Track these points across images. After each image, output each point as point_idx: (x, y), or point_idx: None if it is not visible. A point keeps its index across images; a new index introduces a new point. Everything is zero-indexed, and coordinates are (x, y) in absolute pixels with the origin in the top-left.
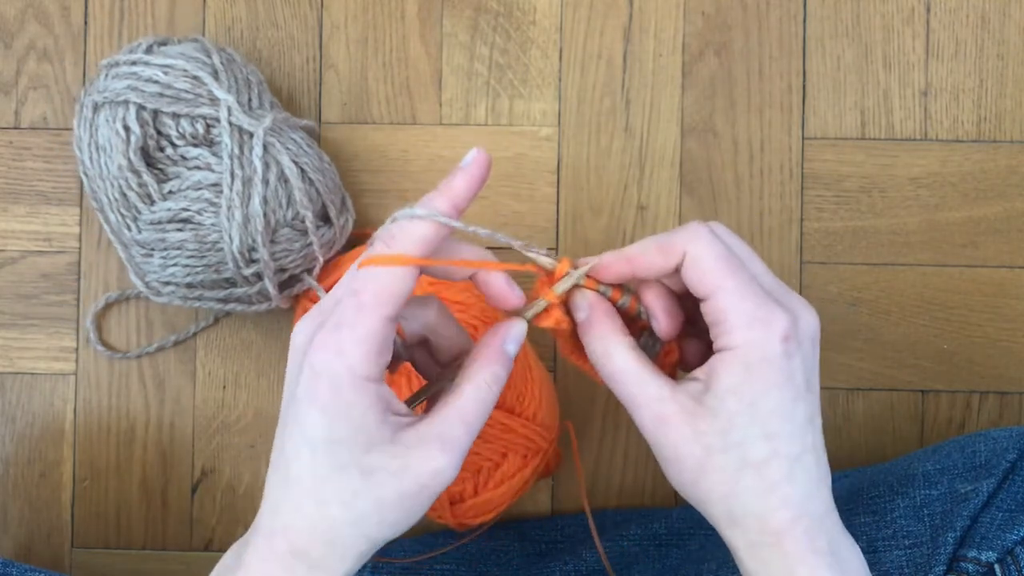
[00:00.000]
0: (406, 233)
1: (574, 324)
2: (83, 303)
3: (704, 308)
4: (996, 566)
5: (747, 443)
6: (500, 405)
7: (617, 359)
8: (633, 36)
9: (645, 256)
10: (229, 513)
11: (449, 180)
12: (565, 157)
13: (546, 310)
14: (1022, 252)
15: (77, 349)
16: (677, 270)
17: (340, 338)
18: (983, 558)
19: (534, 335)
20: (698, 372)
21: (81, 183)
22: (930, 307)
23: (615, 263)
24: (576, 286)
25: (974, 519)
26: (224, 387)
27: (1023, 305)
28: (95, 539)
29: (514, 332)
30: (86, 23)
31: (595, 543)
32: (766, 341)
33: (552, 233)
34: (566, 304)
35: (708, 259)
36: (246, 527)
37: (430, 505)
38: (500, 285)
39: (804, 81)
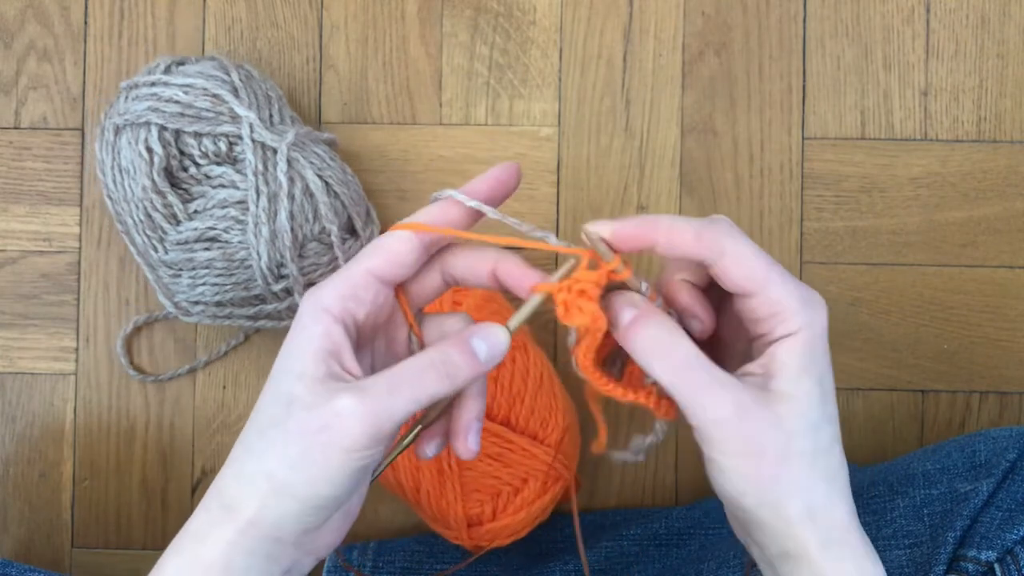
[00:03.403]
0: (420, 211)
1: (581, 337)
2: (83, 303)
3: (749, 304)
4: (996, 565)
5: (820, 426)
6: (523, 431)
7: (683, 347)
8: (633, 36)
9: (680, 236)
10: None
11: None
12: (565, 157)
13: (575, 308)
14: (1022, 252)
15: (77, 349)
16: (703, 263)
17: (324, 284)
18: (983, 557)
19: (541, 340)
20: (752, 367)
21: (81, 183)
22: (930, 307)
23: (640, 229)
24: (615, 289)
25: (974, 519)
26: (224, 387)
27: (1023, 305)
28: (95, 539)
29: (486, 330)
30: (86, 23)
31: (580, 553)
32: (820, 320)
33: (552, 233)
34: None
35: (750, 255)
36: None
37: (341, 463)
38: (516, 267)
39: (804, 81)
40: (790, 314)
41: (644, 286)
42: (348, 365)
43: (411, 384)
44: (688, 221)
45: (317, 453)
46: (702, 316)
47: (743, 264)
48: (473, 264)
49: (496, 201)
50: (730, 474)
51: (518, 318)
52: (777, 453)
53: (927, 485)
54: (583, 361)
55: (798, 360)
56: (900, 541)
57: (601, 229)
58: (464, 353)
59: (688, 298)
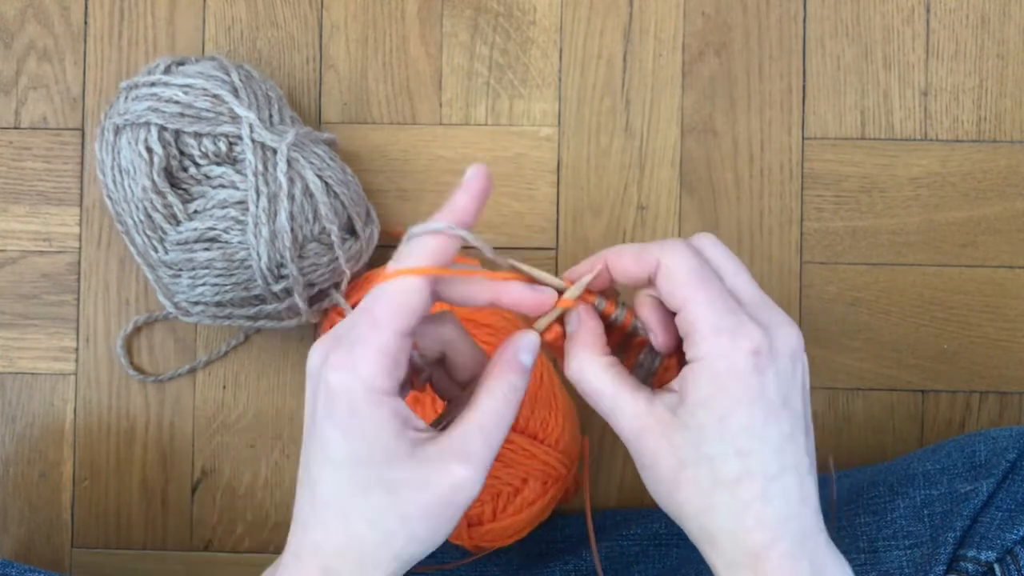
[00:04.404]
0: (415, 248)
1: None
2: (83, 303)
3: (677, 321)
4: (996, 565)
5: (719, 459)
6: (523, 431)
7: (591, 378)
8: (633, 36)
9: (621, 260)
10: (229, 513)
11: (452, 198)
12: (565, 157)
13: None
14: (1022, 252)
15: (77, 349)
16: (651, 280)
17: (354, 355)
18: (983, 558)
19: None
20: (674, 383)
21: (81, 183)
22: (930, 307)
23: (592, 266)
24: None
25: (974, 519)
26: (224, 387)
27: (1023, 305)
28: (95, 539)
29: (526, 342)
30: (86, 23)
31: (592, 548)
32: (732, 353)
33: (552, 233)
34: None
35: (680, 271)
36: (246, 527)
37: (458, 519)
38: (520, 291)
39: (804, 81)
40: (698, 338)
41: (622, 311)
42: (417, 424)
43: (500, 428)
44: (632, 245)
45: (443, 524)
46: (655, 330)
47: (669, 279)
48: (472, 294)
49: (481, 211)
50: (644, 480)
51: (546, 320)
52: (669, 475)
53: (927, 485)
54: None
55: (699, 391)
56: (900, 542)
57: (565, 273)
58: (520, 373)
59: (645, 312)
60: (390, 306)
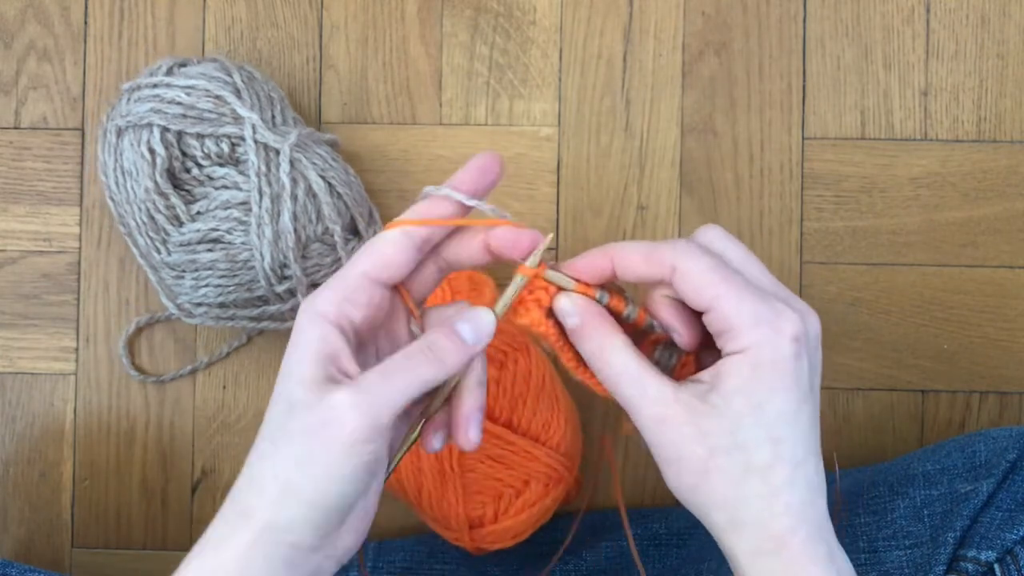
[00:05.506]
0: (408, 211)
1: (563, 333)
2: (83, 303)
3: (707, 320)
4: (996, 565)
5: (752, 446)
6: (525, 433)
7: (614, 361)
8: (633, 36)
9: (628, 259)
10: None
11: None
12: (565, 157)
13: (524, 307)
14: (1022, 252)
15: (77, 349)
16: (662, 281)
17: (319, 289)
18: (983, 558)
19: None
20: (703, 375)
21: (81, 183)
22: (930, 307)
23: (595, 258)
24: (564, 290)
25: (974, 519)
26: (224, 387)
27: (1023, 305)
28: (95, 539)
29: (470, 313)
30: (86, 23)
31: (627, 535)
32: (776, 341)
33: (552, 233)
34: (550, 311)
35: (699, 271)
36: None
37: (344, 458)
38: (505, 232)
39: (804, 81)
40: (737, 332)
41: (633, 308)
42: (345, 367)
43: (403, 371)
44: (640, 244)
45: (319, 451)
46: (680, 330)
47: (689, 281)
48: (464, 242)
49: (481, 192)
50: (663, 474)
51: (504, 301)
52: (695, 465)
53: (927, 485)
54: (567, 366)
55: (736, 379)
56: (900, 542)
57: (565, 265)
58: (450, 337)
59: (666, 313)
60: (363, 250)
